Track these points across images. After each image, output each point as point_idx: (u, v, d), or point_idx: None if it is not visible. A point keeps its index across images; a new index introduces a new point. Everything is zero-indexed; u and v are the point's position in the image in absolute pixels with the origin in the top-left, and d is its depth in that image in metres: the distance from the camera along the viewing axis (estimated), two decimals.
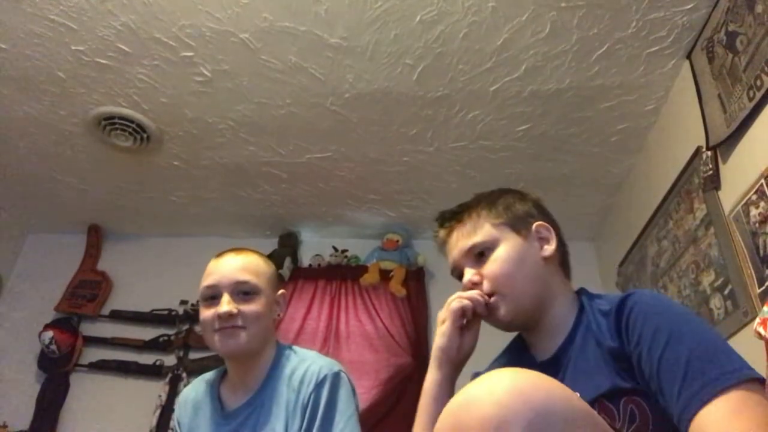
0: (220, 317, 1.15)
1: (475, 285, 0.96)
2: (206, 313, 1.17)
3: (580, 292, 0.98)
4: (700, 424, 0.67)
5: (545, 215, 1.03)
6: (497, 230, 0.97)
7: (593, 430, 0.62)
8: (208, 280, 1.19)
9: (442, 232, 1.04)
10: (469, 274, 0.97)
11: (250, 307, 1.18)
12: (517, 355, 1.01)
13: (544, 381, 0.64)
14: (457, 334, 0.97)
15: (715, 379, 0.68)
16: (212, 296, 1.18)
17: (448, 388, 0.98)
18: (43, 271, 2.77)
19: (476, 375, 1.07)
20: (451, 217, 1.03)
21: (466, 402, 0.62)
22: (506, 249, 0.95)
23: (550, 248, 0.97)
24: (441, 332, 0.98)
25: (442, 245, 1.05)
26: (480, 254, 0.97)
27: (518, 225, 0.98)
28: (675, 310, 0.80)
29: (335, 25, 1.69)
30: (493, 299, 0.94)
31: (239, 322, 1.16)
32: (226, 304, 1.15)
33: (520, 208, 1.00)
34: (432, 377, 0.98)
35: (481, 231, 0.97)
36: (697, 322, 0.78)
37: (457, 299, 0.96)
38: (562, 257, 1.00)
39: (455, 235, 1.01)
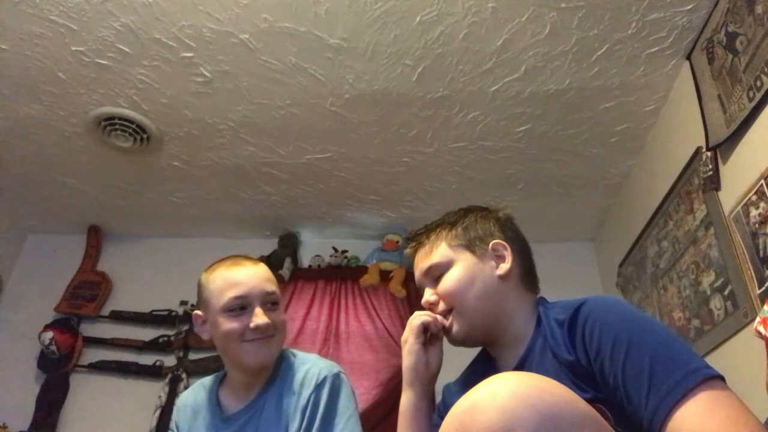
0: (259, 329, 1.15)
1: (432, 305, 1.01)
2: (232, 324, 1.15)
3: (539, 302, 1.00)
4: (674, 428, 0.67)
5: (507, 232, 1.05)
6: (453, 251, 1.01)
7: None
8: (235, 291, 1.16)
9: (408, 251, 1.10)
10: (427, 294, 1.02)
11: (278, 317, 1.21)
12: (483, 367, 1.03)
13: (549, 384, 0.63)
14: (423, 351, 1.01)
15: (681, 381, 0.69)
16: (241, 306, 1.16)
17: (424, 407, 1.01)
18: (43, 272, 2.77)
19: (447, 387, 1.09)
20: (415, 238, 1.08)
21: (470, 408, 0.62)
22: (459, 270, 0.99)
23: (505, 266, 0.99)
24: (406, 351, 1.02)
25: (410, 263, 1.11)
26: (436, 275, 1.01)
27: (474, 245, 1.01)
28: (630, 315, 0.81)
29: (335, 25, 1.69)
30: (448, 319, 0.98)
31: (270, 332, 1.18)
32: (262, 316, 1.16)
33: (479, 228, 1.03)
34: (406, 398, 1.02)
35: (438, 252, 1.02)
36: (654, 325, 0.79)
37: (417, 317, 1.01)
38: (523, 272, 1.02)
39: (417, 256, 1.07)
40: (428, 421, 1.01)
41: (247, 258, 1.26)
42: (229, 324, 1.15)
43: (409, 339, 1.02)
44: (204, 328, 1.22)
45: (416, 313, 1.03)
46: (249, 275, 1.19)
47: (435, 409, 1.10)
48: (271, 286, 1.21)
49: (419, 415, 0.99)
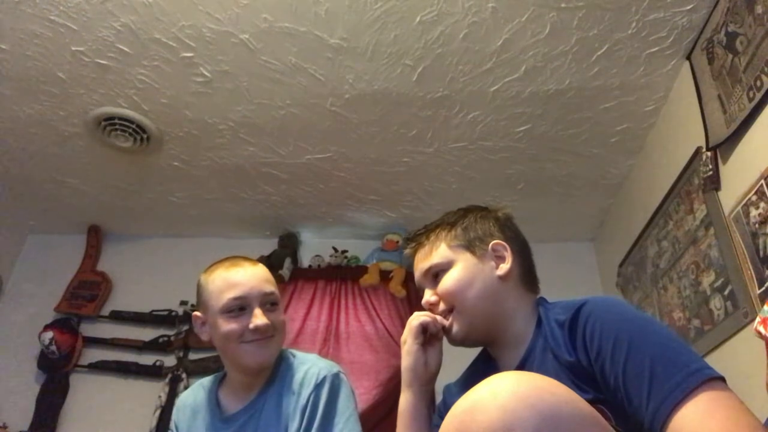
0: (258, 330, 1.15)
1: (432, 305, 1.01)
2: (232, 325, 1.15)
3: (539, 302, 1.00)
4: (675, 429, 0.67)
5: (506, 232, 1.04)
6: (452, 252, 1.01)
7: None
8: (234, 292, 1.16)
9: (408, 252, 1.10)
10: (428, 294, 1.02)
11: (278, 317, 1.21)
12: (483, 367, 1.03)
13: (549, 384, 0.63)
14: (421, 352, 1.01)
15: (681, 382, 0.69)
16: (240, 307, 1.16)
17: (423, 407, 1.01)
18: (43, 272, 2.77)
19: (447, 388, 1.10)
20: (415, 238, 1.08)
21: (470, 407, 0.62)
22: (458, 270, 0.99)
23: (505, 267, 0.99)
24: (405, 352, 1.03)
25: (410, 264, 1.10)
26: (436, 275, 1.01)
27: (474, 245, 1.01)
28: (630, 316, 0.81)
29: (335, 25, 1.69)
30: (448, 319, 0.99)
31: (270, 333, 1.18)
32: (261, 317, 1.16)
33: (479, 228, 1.03)
34: (404, 398, 1.02)
35: (437, 253, 1.02)
36: (655, 326, 0.79)
37: (416, 317, 1.01)
38: (523, 272, 1.02)
39: (416, 257, 1.07)
40: (427, 422, 1.01)
41: (246, 259, 1.26)
42: (228, 325, 1.15)
43: (407, 340, 1.02)
44: (204, 329, 1.23)
45: (415, 313, 1.03)
46: (247, 276, 1.19)
47: (435, 410, 1.10)
48: (270, 287, 1.21)
49: (418, 415, 1.00)
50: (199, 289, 1.23)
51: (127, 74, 1.88)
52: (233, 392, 1.24)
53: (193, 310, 1.26)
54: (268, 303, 1.20)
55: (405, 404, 1.01)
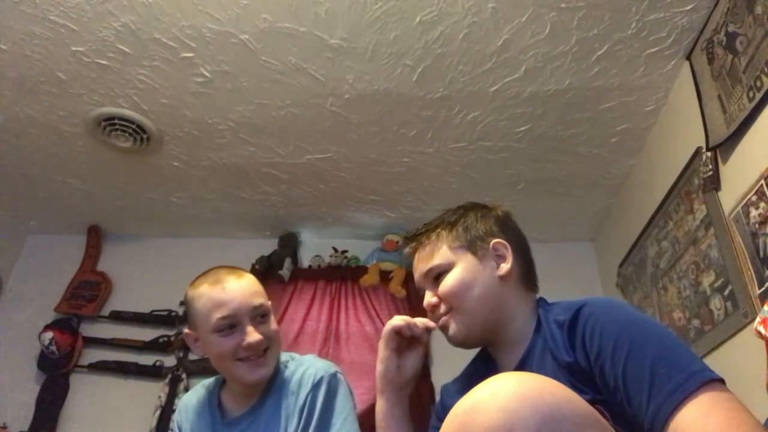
0: (251, 347, 1.13)
1: (433, 307, 1.00)
2: (224, 344, 1.13)
3: (539, 303, 1.00)
4: (675, 430, 0.67)
5: (507, 231, 1.04)
6: (453, 253, 1.00)
7: None
8: (222, 311, 1.13)
9: (408, 251, 1.09)
10: (428, 296, 1.01)
11: (269, 328, 1.18)
12: (483, 366, 1.03)
13: (550, 384, 0.64)
14: (394, 357, 1.01)
15: (682, 383, 0.69)
16: (231, 326, 1.14)
17: (397, 413, 1.01)
18: (43, 272, 2.77)
19: (445, 388, 1.10)
20: (415, 238, 1.07)
21: (471, 408, 0.62)
22: (459, 271, 0.98)
23: (505, 266, 0.98)
24: (378, 359, 1.02)
25: (410, 264, 1.10)
26: (437, 277, 1.00)
27: (475, 246, 1.00)
28: (631, 317, 0.81)
29: (335, 26, 1.69)
30: (445, 318, 0.98)
31: (264, 346, 1.16)
32: (254, 334, 1.14)
33: (480, 228, 1.02)
34: (378, 405, 1.02)
35: (438, 255, 1.00)
36: (655, 327, 0.79)
37: (389, 322, 1.01)
38: (523, 272, 1.01)
39: (416, 257, 1.05)
40: (403, 426, 1.01)
41: (230, 270, 1.22)
42: (220, 344, 1.14)
43: (380, 346, 1.02)
44: (197, 345, 1.21)
45: (394, 317, 1.03)
46: (233, 292, 1.16)
47: (433, 411, 1.10)
48: (258, 299, 1.18)
49: (392, 422, 1.00)
50: (187, 306, 1.21)
51: (127, 74, 1.88)
52: (235, 397, 1.24)
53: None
54: (259, 316, 1.17)
55: (378, 410, 1.01)
